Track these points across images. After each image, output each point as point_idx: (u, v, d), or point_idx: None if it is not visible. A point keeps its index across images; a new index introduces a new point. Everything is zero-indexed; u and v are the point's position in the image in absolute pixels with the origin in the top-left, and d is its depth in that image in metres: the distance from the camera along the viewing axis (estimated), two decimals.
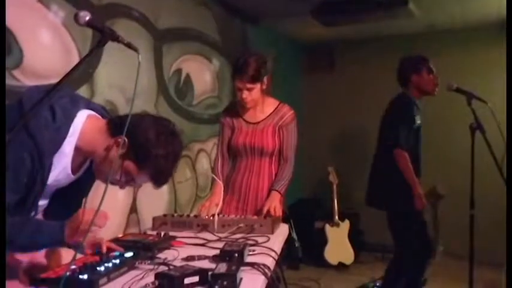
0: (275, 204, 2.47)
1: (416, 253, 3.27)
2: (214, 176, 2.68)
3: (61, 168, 1.45)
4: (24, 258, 1.64)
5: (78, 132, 1.46)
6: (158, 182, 1.54)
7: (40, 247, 1.53)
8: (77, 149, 1.47)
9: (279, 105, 2.68)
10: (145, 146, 1.45)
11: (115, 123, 1.50)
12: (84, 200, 1.65)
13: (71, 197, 1.56)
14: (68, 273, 1.27)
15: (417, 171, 3.23)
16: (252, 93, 2.53)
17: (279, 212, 2.45)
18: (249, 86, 2.51)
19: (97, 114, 1.56)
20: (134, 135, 1.43)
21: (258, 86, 2.53)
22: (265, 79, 2.56)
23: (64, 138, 1.42)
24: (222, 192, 2.57)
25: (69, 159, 1.46)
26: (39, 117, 1.35)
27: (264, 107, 2.65)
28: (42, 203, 1.54)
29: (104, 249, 1.61)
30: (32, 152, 1.34)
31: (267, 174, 2.64)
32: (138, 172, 1.48)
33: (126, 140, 1.43)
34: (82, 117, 1.48)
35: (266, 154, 2.62)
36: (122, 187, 1.55)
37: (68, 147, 1.44)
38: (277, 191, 2.56)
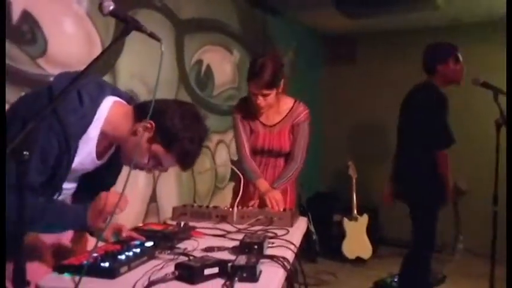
0: (277, 198, 2.39)
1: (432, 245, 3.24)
2: (253, 176, 2.56)
3: (86, 152, 1.48)
4: (48, 239, 1.67)
5: (104, 118, 1.49)
6: (185, 164, 1.58)
7: (63, 229, 1.57)
8: (103, 134, 1.50)
9: (294, 103, 2.61)
10: (172, 129, 1.49)
11: (140, 109, 1.53)
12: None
13: (99, 183, 1.58)
14: (90, 261, 1.28)
15: None
16: (268, 99, 2.46)
17: (281, 206, 2.36)
18: (265, 92, 2.43)
19: (122, 101, 1.58)
20: (160, 119, 1.47)
21: (273, 91, 2.45)
22: (281, 83, 2.48)
23: (90, 122, 1.45)
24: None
25: (94, 143, 1.49)
26: (67, 102, 1.38)
27: (279, 108, 2.58)
28: (70, 186, 1.57)
29: (124, 235, 1.64)
30: (59, 136, 1.37)
31: (282, 168, 2.63)
32: (165, 155, 1.52)
33: (153, 123, 1.47)
34: (108, 103, 1.51)
35: (284, 154, 2.63)
36: (149, 171, 1.60)
37: (93, 131, 1.47)
38: (274, 188, 2.51)
